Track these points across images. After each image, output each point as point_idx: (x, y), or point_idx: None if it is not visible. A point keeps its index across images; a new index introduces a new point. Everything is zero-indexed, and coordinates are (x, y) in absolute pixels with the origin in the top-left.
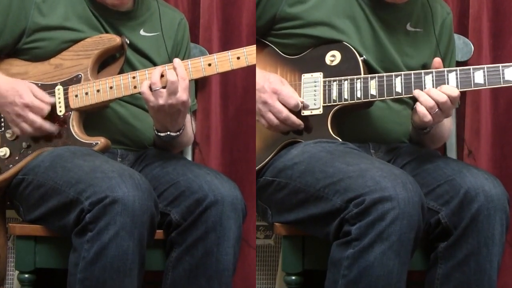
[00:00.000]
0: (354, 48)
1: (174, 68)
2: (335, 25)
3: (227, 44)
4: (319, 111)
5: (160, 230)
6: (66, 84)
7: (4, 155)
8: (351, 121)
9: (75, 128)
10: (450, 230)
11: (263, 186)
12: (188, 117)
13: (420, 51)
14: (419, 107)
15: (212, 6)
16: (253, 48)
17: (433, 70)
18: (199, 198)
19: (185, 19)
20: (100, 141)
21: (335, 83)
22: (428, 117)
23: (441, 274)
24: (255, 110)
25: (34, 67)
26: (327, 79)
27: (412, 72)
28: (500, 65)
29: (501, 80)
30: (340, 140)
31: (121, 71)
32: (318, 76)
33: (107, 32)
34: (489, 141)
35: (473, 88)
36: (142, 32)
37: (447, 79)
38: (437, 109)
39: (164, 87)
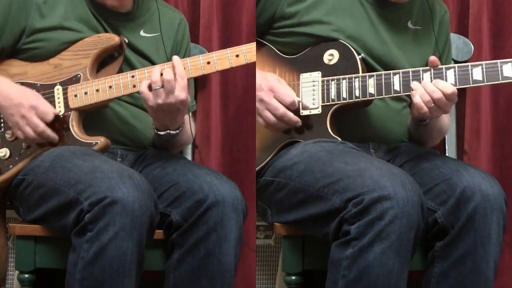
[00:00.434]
0: (353, 47)
1: (173, 66)
2: (334, 23)
3: (227, 44)
4: (318, 111)
5: (160, 230)
6: (65, 84)
7: (4, 155)
8: (350, 120)
9: (74, 128)
10: (446, 229)
11: (263, 186)
12: (187, 116)
13: (421, 49)
14: (416, 98)
15: (212, 6)
16: (252, 45)
17: (431, 68)
18: (199, 199)
19: (185, 19)
20: (100, 140)
21: (333, 82)
22: (424, 109)
23: (438, 273)
24: (255, 110)
25: (33, 67)
26: (325, 78)
27: (410, 70)
28: (499, 61)
29: (500, 76)
30: (340, 139)
31: (120, 71)
32: (317, 75)
33: (107, 32)
34: (489, 141)
35: (471, 85)
36: (142, 33)
37: (446, 76)
38: (432, 104)
39: (163, 86)
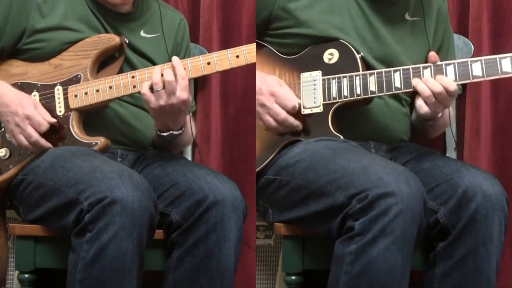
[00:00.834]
0: (352, 45)
1: (173, 67)
2: (331, 23)
3: (227, 44)
4: (320, 109)
5: (160, 230)
6: (65, 84)
7: (4, 155)
8: (351, 119)
9: (75, 128)
10: (448, 229)
11: (264, 185)
12: (188, 116)
13: (420, 40)
14: (417, 100)
15: (212, 6)
16: (252, 46)
17: (431, 64)
18: (199, 198)
19: (185, 19)
20: (100, 141)
21: (334, 80)
22: (425, 109)
23: (440, 273)
24: (255, 110)
25: (33, 68)
26: (326, 77)
27: (411, 66)
28: (497, 56)
29: (499, 71)
30: (341, 137)
31: (120, 71)
32: (317, 74)
33: (107, 33)
34: (489, 141)
35: (471, 80)
36: (142, 34)
37: (445, 72)
38: (433, 99)
39: (164, 87)
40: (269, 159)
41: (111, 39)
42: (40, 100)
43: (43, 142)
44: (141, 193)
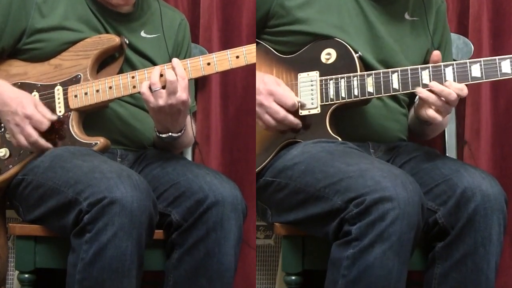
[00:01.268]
0: (349, 45)
1: (173, 68)
2: (329, 21)
3: (227, 44)
4: (317, 110)
5: (160, 230)
6: (65, 84)
7: (4, 155)
8: (349, 120)
9: (74, 128)
10: (447, 230)
11: (263, 186)
12: (188, 118)
13: (419, 40)
14: (428, 111)
15: (212, 6)
16: (252, 47)
17: (430, 65)
18: (199, 198)
19: (186, 19)
20: (100, 141)
21: (331, 81)
22: (439, 118)
23: (439, 274)
24: (255, 110)
25: (33, 68)
26: (323, 77)
27: (409, 67)
28: (497, 57)
29: (498, 73)
30: (340, 139)
31: (120, 71)
32: (315, 75)
33: (107, 33)
34: (489, 141)
35: (470, 82)
36: (143, 34)
37: (444, 73)
38: (441, 104)
39: (163, 87)
40: (267, 160)
41: (111, 39)
42: (40, 100)
43: (43, 142)
44: (140, 193)
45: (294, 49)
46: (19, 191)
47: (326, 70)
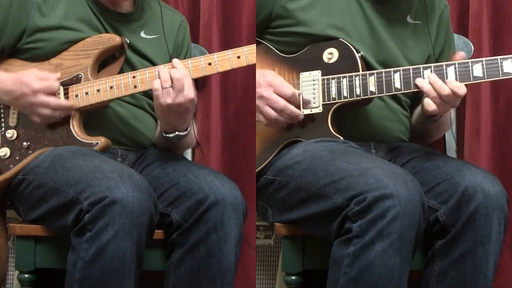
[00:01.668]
0: (352, 45)
1: (174, 68)
2: (331, 23)
3: (227, 44)
4: (319, 110)
5: (160, 230)
6: (66, 84)
7: (5, 155)
8: (351, 119)
9: (75, 128)
10: (448, 228)
11: (264, 185)
12: None
13: (421, 43)
14: (425, 98)
15: (212, 6)
16: (253, 47)
17: (432, 65)
18: (200, 199)
19: (186, 21)
20: (101, 141)
21: (333, 80)
22: (432, 106)
23: (437, 271)
24: (255, 110)
25: (33, 67)
26: (325, 77)
27: (411, 67)
28: (499, 57)
29: (500, 73)
30: (341, 138)
31: (121, 71)
32: (317, 74)
33: (107, 33)
34: (489, 141)
35: (472, 82)
36: (142, 34)
37: (446, 73)
38: (439, 100)
39: (172, 85)
40: (269, 159)
41: (112, 39)
42: None
43: (64, 102)
44: (141, 193)
45: (296, 49)
46: (19, 191)
47: (328, 69)
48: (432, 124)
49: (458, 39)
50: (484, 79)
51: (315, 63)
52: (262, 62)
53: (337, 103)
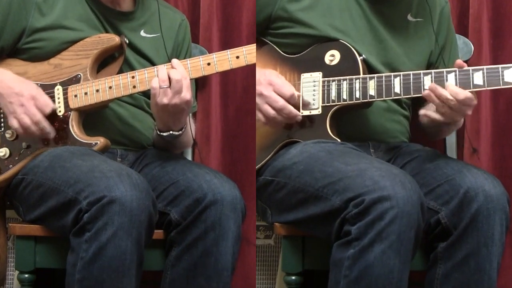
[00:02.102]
0: (353, 47)
1: (173, 68)
2: (332, 24)
3: (227, 44)
4: (318, 111)
5: (160, 230)
6: (65, 84)
7: (4, 155)
8: (350, 120)
9: (74, 128)
10: (449, 230)
11: (262, 185)
12: (187, 117)
13: (423, 41)
14: (429, 112)
15: (212, 6)
16: (252, 47)
17: (432, 71)
18: (198, 197)
19: (186, 20)
20: (100, 141)
21: (334, 83)
22: (436, 117)
23: (441, 274)
24: (255, 110)
25: (33, 67)
26: (326, 79)
27: (411, 72)
28: (500, 66)
29: (501, 82)
30: (339, 140)
31: (120, 71)
32: (317, 75)
33: (107, 32)
34: (489, 141)
35: (472, 90)
36: (142, 33)
37: (446, 79)
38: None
39: (170, 86)
40: (266, 159)
41: (111, 39)
42: None
43: (46, 123)
44: (140, 193)
45: (297, 50)
46: (19, 191)
47: (329, 71)
48: (443, 128)
49: (458, 39)
50: (485, 87)
51: (317, 65)
52: (265, 61)
53: (336, 105)
